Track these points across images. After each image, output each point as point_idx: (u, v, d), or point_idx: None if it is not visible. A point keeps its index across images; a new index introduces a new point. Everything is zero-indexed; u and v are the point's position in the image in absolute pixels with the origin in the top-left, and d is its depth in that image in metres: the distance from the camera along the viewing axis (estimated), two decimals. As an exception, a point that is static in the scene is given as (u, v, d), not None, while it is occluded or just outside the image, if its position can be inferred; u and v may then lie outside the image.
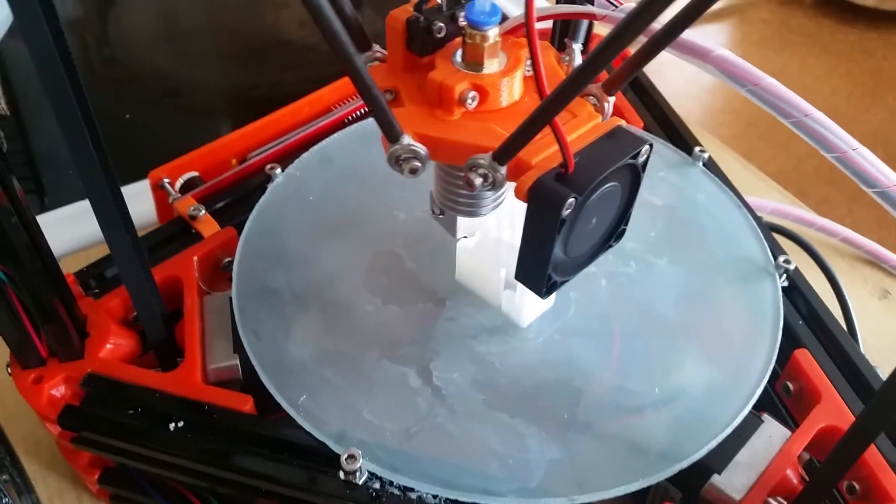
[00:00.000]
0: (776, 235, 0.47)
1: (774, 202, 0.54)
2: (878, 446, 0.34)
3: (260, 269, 0.41)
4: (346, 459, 0.32)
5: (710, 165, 0.48)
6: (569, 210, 0.26)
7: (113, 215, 0.32)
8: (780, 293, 0.40)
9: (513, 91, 0.30)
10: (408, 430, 0.34)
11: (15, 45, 0.69)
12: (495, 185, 0.28)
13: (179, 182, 0.46)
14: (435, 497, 0.32)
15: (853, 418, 0.35)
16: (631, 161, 0.28)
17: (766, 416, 0.36)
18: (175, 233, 0.44)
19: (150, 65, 0.71)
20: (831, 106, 1.54)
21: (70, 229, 0.54)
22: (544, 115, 0.25)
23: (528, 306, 0.38)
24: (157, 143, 0.74)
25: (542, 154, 0.28)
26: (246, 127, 0.50)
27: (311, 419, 0.34)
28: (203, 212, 0.44)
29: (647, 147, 0.28)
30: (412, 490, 0.33)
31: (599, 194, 0.28)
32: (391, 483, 0.33)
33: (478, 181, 0.28)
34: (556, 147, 0.27)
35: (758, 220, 0.44)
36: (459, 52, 0.31)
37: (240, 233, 0.43)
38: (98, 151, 0.30)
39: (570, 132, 0.28)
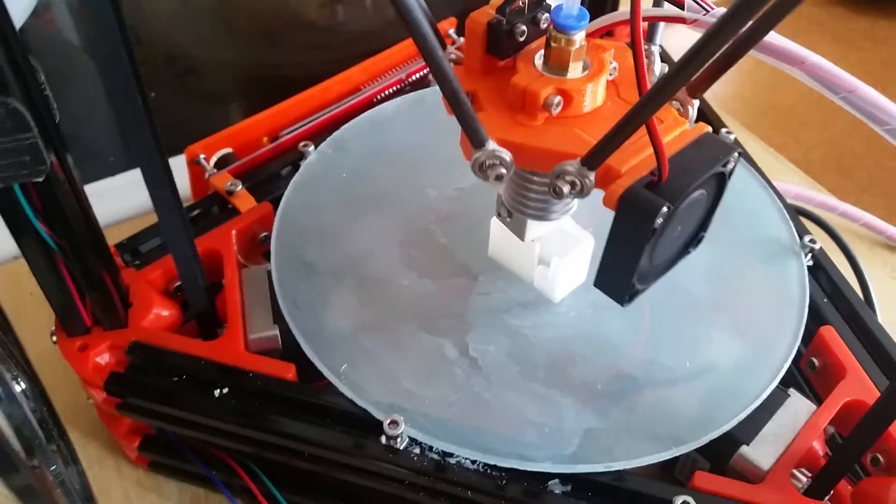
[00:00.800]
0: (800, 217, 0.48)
1: (797, 187, 0.55)
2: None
3: (297, 243, 0.42)
4: (388, 425, 0.33)
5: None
6: (661, 219, 0.26)
7: (162, 181, 0.33)
8: (806, 272, 0.41)
9: (596, 96, 0.30)
10: (446, 399, 0.35)
11: (37, 29, 0.69)
12: (583, 193, 0.28)
13: (214, 158, 0.47)
14: (473, 462, 0.34)
15: (878, 393, 0.36)
16: (721, 170, 0.28)
17: (792, 391, 0.37)
18: (211, 207, 0.45)
19: (170, 44, 0.71)
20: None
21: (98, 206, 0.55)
22: (638, 118, 0.25)
23: (560, 282, 0.39)
24: (181, 121, 0.74)
25: (632, 161, 0.27)
26: (277, 106, 0.50)
27: (352, 387, 0.35)
28: (240, 187, 0.45)
29: (735, 155, 0.28)
30: (451, 455, 0.34)
31: (688, 203, 0.28)
32: (430, 448, 0.34)
33: (566, 188, 0.28)
34: (644, 154, 0.27)
35: (783, 201, 0.45)
36: (541, 56, 0.30)
37: (275, 208, 0.44)
38: (148, 116, 0.31)
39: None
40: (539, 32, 0.31)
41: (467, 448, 0.33)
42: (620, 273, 0.28)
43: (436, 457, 0.34)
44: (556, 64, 0.30)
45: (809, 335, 0.39)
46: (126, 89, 0.30)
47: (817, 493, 0.33)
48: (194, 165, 0.47)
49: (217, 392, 0.36)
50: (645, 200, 0.26)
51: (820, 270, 0.42)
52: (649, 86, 0.25)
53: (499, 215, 0.37)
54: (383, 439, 0.34)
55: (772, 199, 0.45)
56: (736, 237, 0.43)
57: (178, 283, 0.41)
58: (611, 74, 0.31)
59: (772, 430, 0.36)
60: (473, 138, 0.28)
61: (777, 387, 0.37)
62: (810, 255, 0.42)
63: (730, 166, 0.28)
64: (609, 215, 0.28)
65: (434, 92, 0.51)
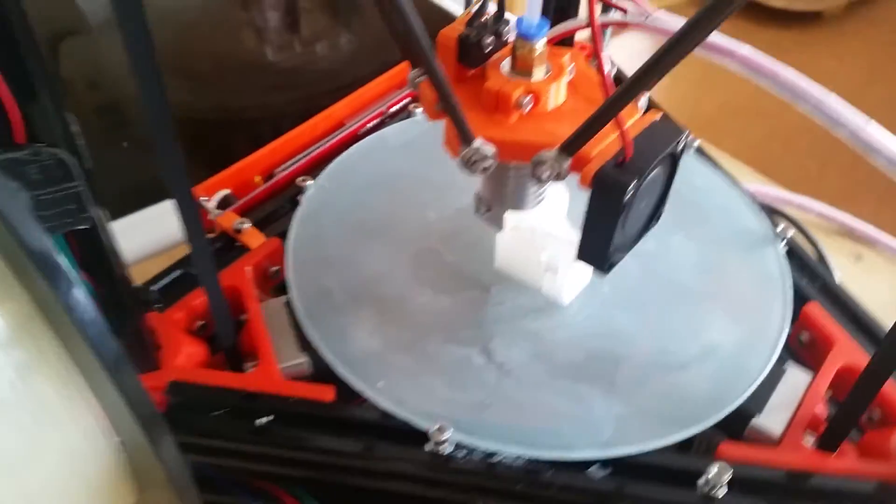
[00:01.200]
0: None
1: (753, 185, 0.60)
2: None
3: (312, 273, 0.43)
4: (436, 431, 0.35)
5: (700, 151, 0.53)
6: (630, 194, 0.30)
7: (195, 219, 0.35)
8: (784, 257, 0.45)
9: (559, 95, 0.34)
10: (482, 402, 0.38)
11: None
12: (560, 177, 0.32)
13: (215, 199, 0.48)
14: (516, 459, 0.36)
15: (867, 358, 0.40)
16: (673, 150, 0.32)
17: (788, 364, 0.41)
18: (220, 247, 0.46)
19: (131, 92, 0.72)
20: (758, 103, 1.64)
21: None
22: (610, 110, 0.29)
23: (567, 286, 0.42)
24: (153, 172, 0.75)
25: (599, 147, 0.32)
26: (269, 145, 0.52)
27: (392, 400, 0.37)
28: (248, 224, 0.46)
29: (685, 135, 0.33)
30: (494, 454, 0.36)
31: (650, 179, 0.32)
32: (473, 451, 0.36)
33: (546, 174, 0.31)
34: (608, 140, 0.31)
35: (751, 196, 0.49)
36: (507, 62, 0.35)
37: (282, 243, 0.45)
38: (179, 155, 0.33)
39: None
40: (502, 44, 0.36)
41: (511, 445, 0.35)
42: (599, 245, 0.33)
43: (480, 458, 0.36)
44: (523, 68, 0.34)
45: (795, 313, 0.43)
46: (163, 132, 0.31)
47: (827, 448, 0.37)
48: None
49: (260, 421, 0.37)
50: (615, 178, 0.30)
51: (795, 255, 0.46)
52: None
53: (477, 211, 0.40)
54: (428, 447, 0.36)
55: (741, 196, 0.49)
56: (716, 233, 0.47)
57: (202, 322, 0.42)
58: (569, 75, 0.35)
59: (777, 400, 0.39)
60: (463, 135, 0.32)
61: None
62: (784, 242, 0.46)
63: (681, 146, 0.33)
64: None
65: (415, 122, 0.54)
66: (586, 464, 0.36)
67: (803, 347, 0.43)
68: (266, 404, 0.37)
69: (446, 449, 0.36)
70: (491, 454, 0.36)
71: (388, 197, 0.49)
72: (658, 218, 0.36)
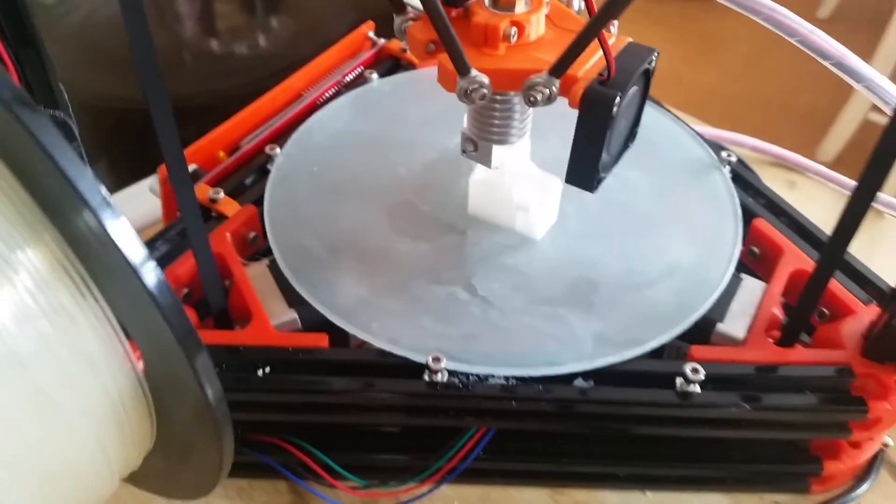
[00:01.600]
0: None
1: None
2: (836, 278, 0.43)
3: (292, 233, 0.45)
4: (432, 361, 0.38)
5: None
6: (616, 107, 0.33)
7: (187, 182, 0.36)
8: (730, 179, 0.49)
9: (539, 26, 0.37)
10: (471, 333, 0.40)
11: None
12: (551, 99, 0.34)
13: (185, 175, 0.49)
14: (507, 379, 0.38)
15: (813, 262, 0.44)
16: (647, 66, 0.35)
17: (743, 275, 0.45)
18: (196, 219, 0.47)
19: (84, 91, 0.72)
20: (673, 70, 1.70)
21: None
22: (592, 31, 0.32)
23: (539, 222, 0.44)
24: (114, 160, 0.75)
25: (583, 68, 0.34)
26: (230, 120, 0.53)
27: (387, 340, 0.39)
28: (222, 194, 0.47)
29: (656, 54, 0.35)
30: (489, 377, 0.38)
31: (630, 95, 0.35)
32: (468, 377, 0.38)
33: (539, 97, 0.34)
34: (591, 63, 0.34)
35: (694, 130, 0.53)
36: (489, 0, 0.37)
37: (259, 209, 0.47)
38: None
39: (596, 48, 0.34)
40: None
41: (502, 367, 0.38)
42: (588, 163, 0.36)
43: (475, 382, 0.38)
44: (506, 3, 0.36)
45: (745, 230, 0.46)
46: (157, 100, 0.32)
47: (786, 344, 0.40)
48: (167, 184, 0.49)
49: (260, 372, 0.39)
50: (602, 93, 0.33)
51: (739, 177, 0.50)
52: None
53: (464, 152, 0.42)
54: (426, 377, 0.38)
55: (685, 130, 0.53)
56: (667, 164, 0.50)
57: (186, 290, 0.43)
58: (546, 7, 0.38)
59: (736, 307, 0.43)
60: (461, 67, 0.34)
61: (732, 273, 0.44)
62: (728, 166, 0.50)
63: (653, 63, 0.36)
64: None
65: (371, 89, 0.56)
66: (572, 377, 0.38)
67: (755, 261, 0.47)
68: (264, 357, 0.39)
69: (443, 377, 0.38)
70: (484, 378, 0.38)
71: (357, 158, 0.51)
72: (634, 137, 0.39)
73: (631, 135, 0.38)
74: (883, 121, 0.33)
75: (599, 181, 0.36)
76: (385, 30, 0.62)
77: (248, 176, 0.50)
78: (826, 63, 0.38)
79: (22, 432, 0.23)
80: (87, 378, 0.25)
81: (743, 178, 0.50)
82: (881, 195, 0.54)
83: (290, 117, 0.55)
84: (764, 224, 0.46)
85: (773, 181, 0.62)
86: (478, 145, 0.41)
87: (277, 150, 0.50)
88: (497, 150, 0.41)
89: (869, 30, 1.37)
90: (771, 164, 0.65)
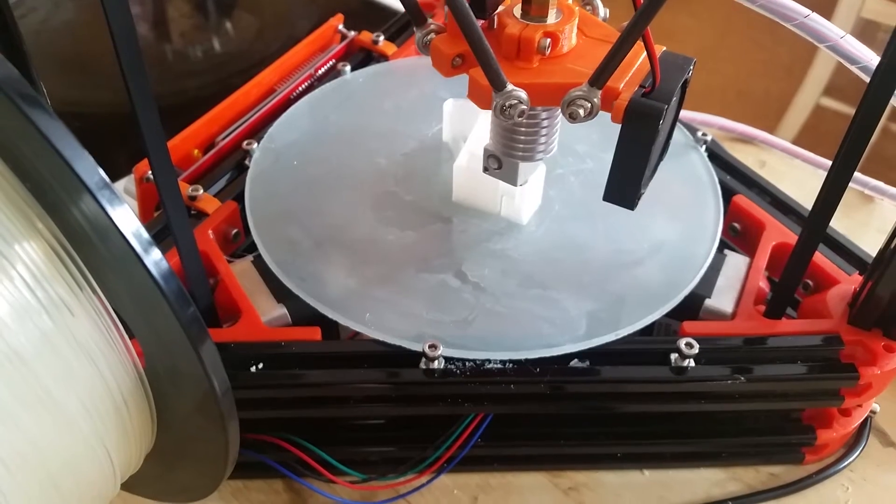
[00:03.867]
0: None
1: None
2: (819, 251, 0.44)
3: (276, 228, 0.44)
4: (428, 348, 0.37)
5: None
6: (662, 120, 0.31)
7: (172, 179, 0.35)
8: (707, 158, 0.49)
9: (572, 36, 0.35)
10: (465, 319, 0.40)
11: None
12: (592, 114, 0.32)
13: (161, 174, 0.48)
14: (503, 363, 0.38)
15: (795, 236, 0.44)
16: (688, 74, 0.33)
17: (727, 252, 0.45)
18: (175, 218, 0.46)
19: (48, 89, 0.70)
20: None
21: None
22: (631, 36, 0.29)
23: (525, 206, 0.44)
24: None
25: (624, 79, 0.32)
26: (204, 116, 0.52)
27: (381, 330, 0.39)
28: (202, 191, 0.46)
29: (693, 62, 0.34)
30: (486, 363, 0.38)
31: (671, 106, 0.33)
32: (465, 363, 0.38)
33: (581, 111, 0.32)
34: (629, 74, 0.32)
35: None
36: (518, 10, 0.35)
37: (239, 206, 0.46)
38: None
39: (634, 58, 0.33)
40: None
41: (499, 351, 0.38)
42: (630, 179, 0.34)
43: (471, 368, 0.38)
44: (538, 14, 0.34)
45: (725, 207, 0.47)
46: (140, 94, 0.31)
47: (773, 317, 0.41)
48: (144, 184, 0.48)
49: (253, 368, 0.38)
50: (648, 106, 0.31)
51: (716, 156, 0.51)
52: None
53: (486, 169, 0.41)
54: (422, 365, 0.38)
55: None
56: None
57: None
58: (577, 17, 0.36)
59: (723, 283, 0.43)
60: (496, 82, 0.32)
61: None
62: (705, 146, 0.50)
63: (690, 74, 0.34)
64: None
65: (345, 81, 0.55)
66: (567, 358, 0.38)
67: (737, 237, 0.48)
68: (257, 353, 0.38)
69: (440, 364, 0.38)
70: (481, 363, 0.38)
71: (336, 150, 0.50)
72: (667, 150, 0.37)
73: (666, 146, 0.37)
74: (835, 105, 0.33)
75: (639, 197, 0.35)
76: (353, 23, 0.62)
77: (226, 172, 0.49)
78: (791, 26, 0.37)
79: (23, 431, 0.22)
80: (88, 373, 0.24)
81: (719, 157, 0.51)
82: (871, 180, 0.55)
83: (264, 112, 0.54)
84: (744, 200, 0.47)
85: (745, 160, 0.63)
86: (502, 162, 0.40)
87: (255, 145, 0.49)
88: (523, 168, 0.40)
89: None
90: (740, 145, 0.66)
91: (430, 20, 0.36)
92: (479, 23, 0.33)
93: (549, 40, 0.34)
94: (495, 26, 0.35)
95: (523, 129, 0.38)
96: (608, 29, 0.36)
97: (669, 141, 0.37)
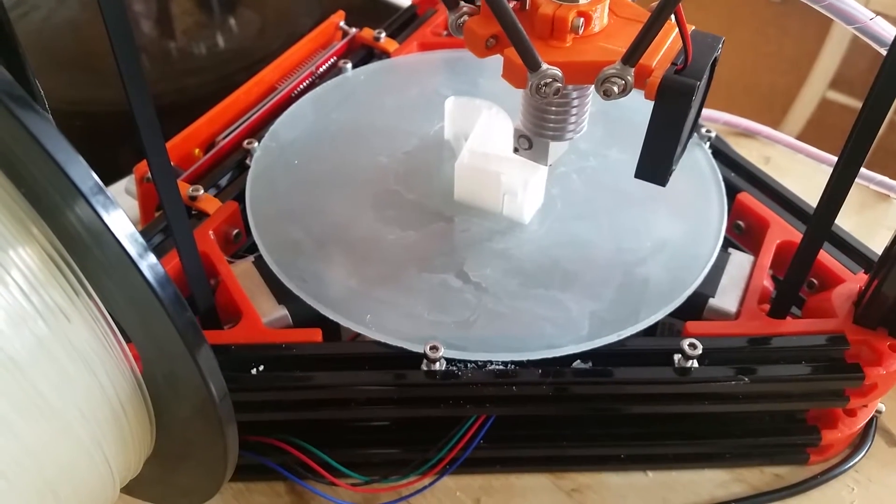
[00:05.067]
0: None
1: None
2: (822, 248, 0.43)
3: (277, 228, 0.44)
4: (429, 350, 0.37)
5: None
6: (695, 97, 0.31)
7: (171, 180, 0.35)
8: (711, 155, 0.49)
9: (603, 16, 0.35)
10: (467, 320, 0.39)
11: None
12: (626, 91, 0.32)
13: (161, 174, 0.48)
14: (505, 364, 0.38)
15: (799, 234, 0.44)
16: (717, 52, 0.33)
17: (730, 250, 0.45)
18: (176, 218, 0.46)
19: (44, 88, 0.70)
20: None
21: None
22: (663, 13, 0.29)
23: (527, 206, 0.44)
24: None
25: (656, 57, 0.32)
26: (205, 115, 0.52)
27: (382, 331, 0.38)
28: (202, 191, 0.46)
29: (722, 41, 0.34)
30: (486, 364, 0.38)
31: (702, 83, 0.33)
32: (466, 365, 0.38)
33: (615, 88, 0.32)
34: (661, 53, 0.32)
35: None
36: None
37: (240, 206, 0.46)
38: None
39: (665, 37, 0.33)
40: None
41: (501, 352, 0.38)
42: (662, 156, 0.34)
43: (473, 369, 0.38)
44: None
45: (729, 205, 0.47)
46: (138, 95, 0.31)
47: (778, 316, 0.41)
48: (144, 184, 0.47)
49: (254, 370, 0.38)
50: (681, 82, 0.32)
51: (720, 153, 0.50)
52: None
53: (516, 150, 0.41)
54: (424, 367, 0.37)
55: (664, 108, 0.53)
56: (648, 142, 0.50)
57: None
58: None
59: (727, 282, 0.43)
60: (531, 62, 0.32)
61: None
62: (709, 142, 0.50)
63: (720, 51, 0.34)
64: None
65: (346, 78, 0.55)
66: (570, 359, 0.38)
67: (742, 235, 0.47)
68: (257, 355, 0.38)
69: (441, 366, 0.37)
70: (483, 365, 0.38)
71: (338, 148, 0.50)
72: (696, 130, 0.37)
73: (695, 125, 0.37)
74: (842, 99, 0.32)
75: (670, 174, 0.35)
76: (354, 20, 0.61)
77: (227, 172, 0.49)
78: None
79: (20, 438, 0.22)
80: (85, 379, 0.24)
81: (723, 154, 0.50)
82: (882, 177, 0.55)
83: (265, 111, 0.53)
84: (748, 198, 0.47)
85: (749, 156, 0.63)
86: (533, 142, 0.40)
87: (255, 144, 0.49)
88: (554, 147, 0.40)
89: None
90: (744, 140, 0.66)
91: (462, 3, 0.35)
92: (512, 4, 0.34)
93: (581, 19, 0.34)
94: (527, 7, 0.35)
95: (554, 108, 0.38)
96: (638, 9, 0.36)
97: (698, 120, 0.37)
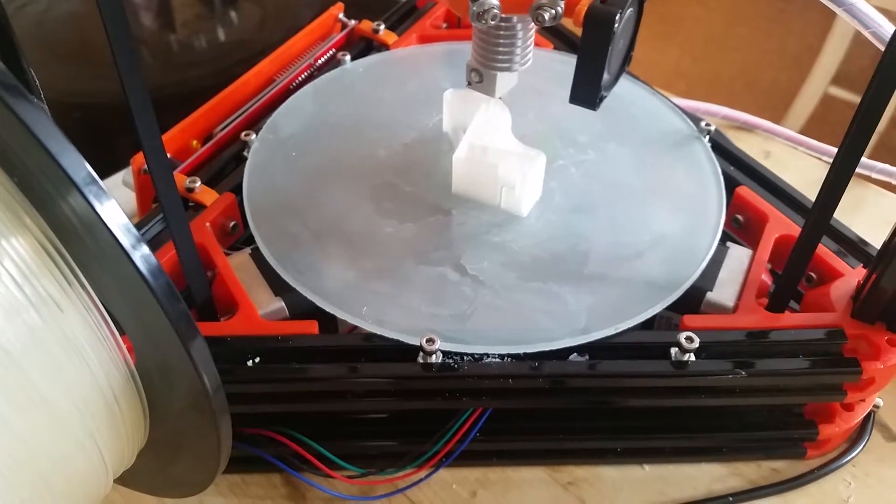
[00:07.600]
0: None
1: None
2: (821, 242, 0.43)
3: (274, 220, 0.44)
4: (425, 343, 0.37)
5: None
6: (617, 24, 0.33)
7: (167, 172, 0.35)
8: (710, 148, 0.49)
9: None
10: (464, 313, 0.39)
11: None
12: (556, 18, 0.35)
13: (159, 166, 0.48)
14: (502, 357, 0.38)
15: (798, 228, 0.44)
16: None
17: (729, 244, 0.45)
18: (173, 210, 0.46)
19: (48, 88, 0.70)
20: (637, 53, 1.71)
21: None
22: None
23: (525, 198, 0.44)
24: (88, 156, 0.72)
25: None
26: (203, 107, 0.52)
27: (378, 323, 0.38)
28: (199, 183, 0.46)
29: None
30: (482, 357, 0.38)
31: (627, 15, 0.35)
32: (463, 357, 0.38)
33: (546, 15, 0.35)
34: None
35: (670, 101, 0.53)
36: None
37: (237, 197, 0.46)
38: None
39: None
40: None
41: (498, 345, 0.38)
42: (591, 81, 0.36)
43: (471, 362, 0.38)
44: None
45: (728, 198, 0.46)
46: (133, 87, 0.31)
47: (776, 310, 0.41)
48: (142, 175, 0.47)
49: (250, 362, 0.38)
50: (604, 10, 0.34)
51: (719, 146, 0.50)
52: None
53: (469, 84, 0.42)
54: (420, 359, 0.37)
55: (662, 101, 0.53)
56: (646, 135, 0.50)
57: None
58: None
59: (725, 275, 0.43)
60: None
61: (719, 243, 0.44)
62: (708, 136, 0.50)
63: None
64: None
65: (345, 70, 0.55)
66: (567, 352, 0.38)
67: (740, 228, 0.47)
68: (254, 347, 0.38)
69: (437, 359, 0.37)
70: (479, 358, 0.38)
71: (335, 141, 0.50)
72: (629, 61, 0.39)
73: (627, 58, 0.38)
74: (843, 95, 0.32)
75: (601, 99, 0.37)
76: (353, 12, 0.61)
77: (224, 164, 0.49)
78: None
79: (13, 430, 0.22)
80: (78, 370, 0.24)
81: (722, 147, 0.50)
82: (884, 165, 0.54)
83: (263, 102, 0.53)
84: (747, 192, 0.46)
85: (749, 150, 0.63)
86: (483, 75, 0.41)
87: (253, 136, 0.49)
88: (501, 78, 0.41)
89: None
90: (744, 134, 0.66)
91: None
92: None
93: None
94: None
95: (500, 40, 0.39)
96: None
97: (631, 52, 0.38)
